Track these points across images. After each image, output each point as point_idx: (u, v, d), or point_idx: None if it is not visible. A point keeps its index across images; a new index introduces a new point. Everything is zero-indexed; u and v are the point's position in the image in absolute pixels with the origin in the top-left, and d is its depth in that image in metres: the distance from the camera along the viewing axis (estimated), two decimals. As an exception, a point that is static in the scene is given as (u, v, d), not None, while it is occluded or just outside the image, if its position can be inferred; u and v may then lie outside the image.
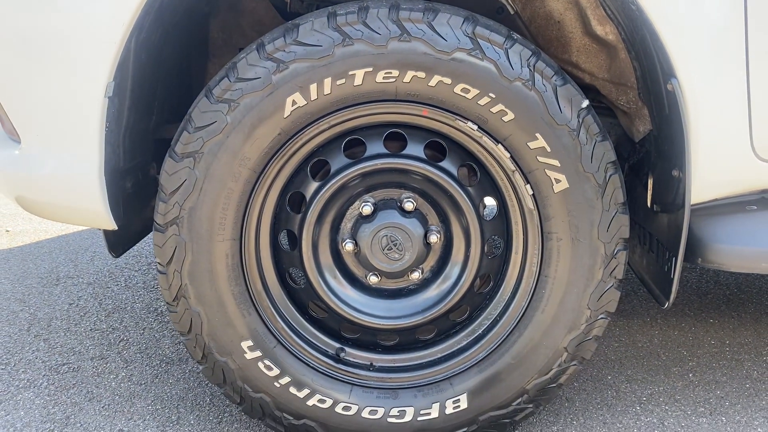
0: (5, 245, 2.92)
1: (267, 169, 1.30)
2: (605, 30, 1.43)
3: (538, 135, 1.26)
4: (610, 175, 1.29)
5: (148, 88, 1.43)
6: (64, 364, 1.84)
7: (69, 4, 1.21)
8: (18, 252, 2.81)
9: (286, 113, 1.25)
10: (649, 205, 1.47)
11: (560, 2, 1.49)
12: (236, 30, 1.74)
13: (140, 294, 2.33)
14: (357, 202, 1.40)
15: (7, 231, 3.13)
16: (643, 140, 1.53)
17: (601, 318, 1.36)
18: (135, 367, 1.82)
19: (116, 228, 1.36)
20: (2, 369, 1.82)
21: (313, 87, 1.24)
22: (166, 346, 1.93)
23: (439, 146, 1.37)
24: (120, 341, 1.97)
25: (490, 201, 1.41)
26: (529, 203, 1.33)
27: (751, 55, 1.24)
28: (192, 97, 1.79)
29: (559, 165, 1.28)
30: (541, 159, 1.28)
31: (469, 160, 1.38)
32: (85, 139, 1.27)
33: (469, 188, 1.38)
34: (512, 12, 1.61)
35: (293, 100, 1.24)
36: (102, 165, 1.29)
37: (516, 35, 1.27)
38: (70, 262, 2.66)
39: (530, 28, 1.61)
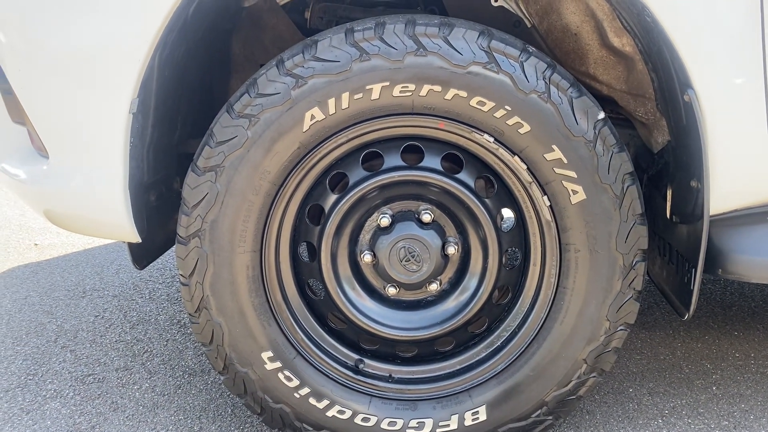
0: (34, 258, 2.99)
1: (287, 182, 1.33)
2: (622, 42, 1.44)
3: (554, 147, 1.27)
4: (628, 186, 1.29)
5: (172, 104, 1.47)
6: (89, 375, 1.87)
7: (94, 23, 1.25)
8: (46, 265, 2.87)
9: (305, 127, 1.27)
10: (668, 216, 1.47)
11: (577, 15, 1.49)
12: (257, 45, 1.77)
13: (164, 306, 2.36)
14: (375, 214, 1.41)
15: (36, 245, 3.20)
16: (661, 151, 1.53)
17: (621, 329, 1.36)
18: (158, 378, 1.85)
19: (140, 241, 1.39)
20: (30, 379, 1.86)
21: (332, 101, 1.26)
22: (189, 358, 1.96)
23: (456, 158, 1.39)
24: (144, 352, 2.00)
25: (507, 212, 1.42)
26: (547, 215, 1.33)
27: (769, 64, 1.24)
28: (214, 111, 1.83)
29: (576, 176, 1.28)
30: (557, 170, 1.28)
31: (486, 171, 1.39)
32: (110, 155, 1.30)
33: (486, 200, 1.38)
34: (529, 25, 1.63)
35: (312, 115, 1.27)
36: (126, 180, 1.32)
37: (531, 48, 1.28)
38: (96, 275, 2.71)
39: (547, 41, 1.62)
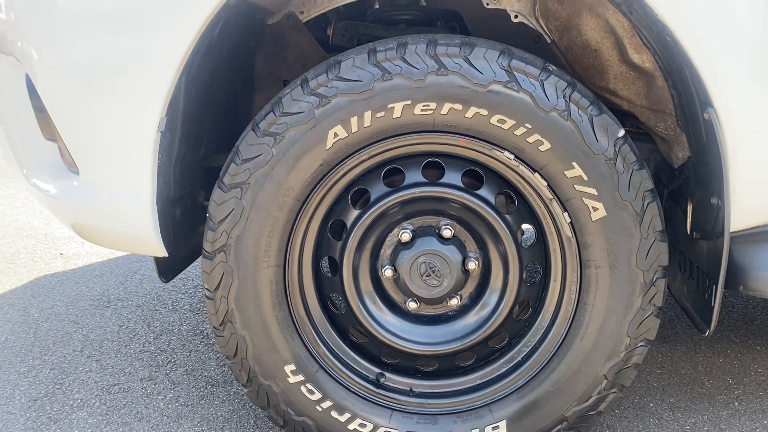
0: (60, 268, 3.05)
1: (310, 198, 1.35)
2: (642, 58, 1.45)
3: (574, 164, 1.28)
4: (648, 203, 1.29)
5: (198, 121, 1.50)
6: (115, 385, 1.91)
7: (124, 45, 1.29)
8: (71, 275, 2.93)
9: (328, 145, 1.30)
10: (688, 232, 1.47)
11: (596, 31, 1.51)
12: (281, 62, 1.81)
13: (187, 316, 2.40)
14: (396, 229, 1.43)
15: (62, 254, 3.26)
16: (682, 166, 1.53)
17: (641, 345, 1.36)
18: (182, 389, 1.88)
19: (167, 255, 1.42)
20: (57, 388, 1.90)
21: (354, 120, 1.28)
22: (212, 368, 1.99)
23: (476, 174, 1.40)
24: (168, 363, 2.04)
25: (528, 228, 1.43)
26: (567, 231, 1.34)
27: (790, 82, 1.24)
28: (238, 126, 1.86)
29: (596, 193, 1.29)
30: (578, 187, 1.29)
31: (506, 187, 1.40)
32: (139, 172, 1.34)
33: (506, 215, 1.40)
34: (549, 41, 1.64)
35: (335, 133, 1.29)
36: (154, 196, 1.35)
37: (551, 67, 1.29)
38: (120, 284, 2.76)
39: (567, 57, 1.63)
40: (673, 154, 1.54)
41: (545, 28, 1.64)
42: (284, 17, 1.63)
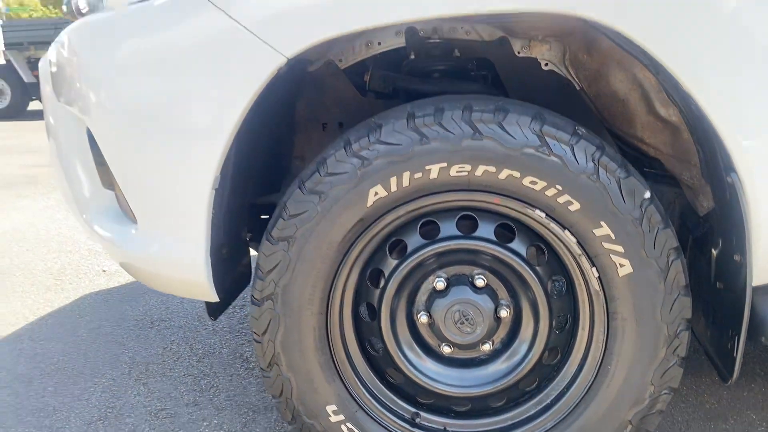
0: (104, 285, 3.19)
1: (351, 250, 1.44)
2: (668, 112, 1.51)
3: (602, 223, 1.35)
4: (672, 260, 1.36)
5: (246, 171, 1.60)
6: (162, 410, 2.03)
7: (184, 109, 1.39)
8: (116, 293, 3.07)
9: (369, 203, 1.39)
10: (712, 281, 1.53)
11: (624, 83, 1.57)
12: (320, 106, 1.90)
13: (227, 339, 2.51)
14: (431, 277, 1.51)
15: (104, 271, 3.40)
16: (707, 215, 1.59)
17: (665, 393, 1.43)
18: (225, 415, 1.99)
19: (218, 300, 1.53)
20: (110, 412, 2.02)
21: (393, 180, 1.37)
22: (253, 394, 2.10)
23: (508, 226, 1.48)
24: (211, 387, 2.15)
25: (558, 279, 1.50)
26: (595, 285, 1.41)
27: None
28: (280, 166, 1.96)
29: (623, 251, 1.36)
30: (606, 245, 1.36)
31: (537, 240, 1.48)
32: (194, 226, 1.44)
33: (537, 267, 1.47)
34: (578, 88, 1.71)
35: (375, 192, 1.38)
36: (208, 247, 1.46)
37: (581, 131, 1.37)
38: (162, 304, 2.89)
39: (596, 104, 1.70)
40: (698, 203, 1.60)
41: (575, 77, 1.71)
42: (324, 65, 1.72)
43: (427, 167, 1.36)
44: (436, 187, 1.39)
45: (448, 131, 1.34)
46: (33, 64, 11.83)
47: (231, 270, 1.68)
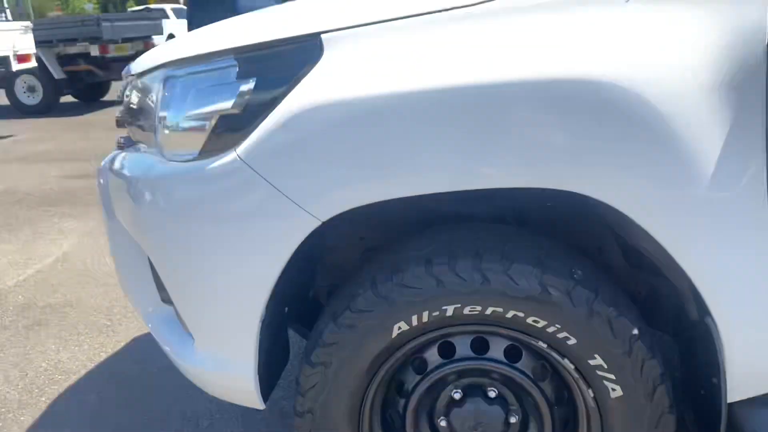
0: (150, 326, 3.47)
1: (378, 371, 1.68)
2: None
3: (596, 355, 1.56)
4: (658, 385, 1.57)
5: (281, 299, 1.81)
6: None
7: (230, 263, 1.62)
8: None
9: (394, 335, 1.61)
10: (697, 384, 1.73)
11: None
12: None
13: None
14: (449, 388, 1.74)
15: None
16: (696, 322, 1.78)
17: (653, 494, 1.65)
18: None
19: (264, 407, 1.77)
20: (169, 474, 2.30)
21: (414, 317, 1.59)
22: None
23: (517, 348, 1.69)
24: (255, 446, 2.42)
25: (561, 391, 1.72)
26: (591, 403, 1.63)
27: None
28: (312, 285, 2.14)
29: (614, 378, 1.57)
30: (599, 372, 1.58)
31: (542, 360, 1.69)
32: (244, 350, 1.68)
33: (542, 383, 1.69)
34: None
35: (399, 327, 1.60)
36: (256, 366, 1.70)
37: (578, 274, 1.56)
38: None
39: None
40: (689, 310, 1.79)
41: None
42: None
43: (443, 307, 1.58)
44: (452, 322, 1.60)
45: (462, 278, 1.55)
46: (62, 60, 12.13)
47: (276, 372, 1.92)
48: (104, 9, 42.45)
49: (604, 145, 1.40)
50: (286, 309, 2.00)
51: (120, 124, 2.16)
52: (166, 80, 1.73)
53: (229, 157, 1.57)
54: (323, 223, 1.54)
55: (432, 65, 1.46)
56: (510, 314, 1.56)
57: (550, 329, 1.56)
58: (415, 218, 1.83)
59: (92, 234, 5.10)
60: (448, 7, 1.50)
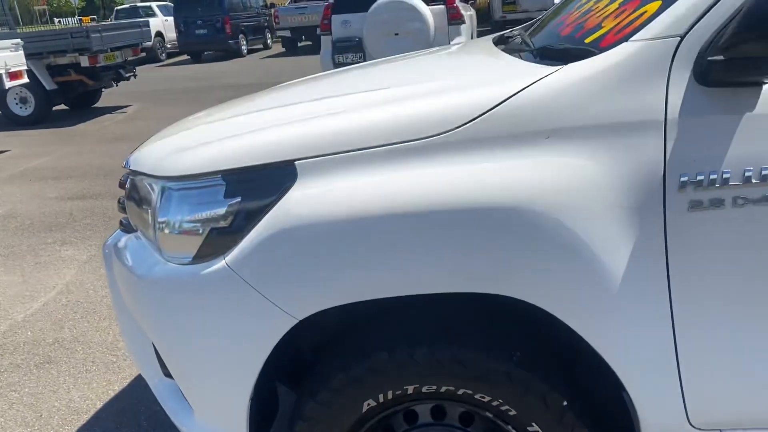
0: (153, 362, 3.76)
1: (354, 436, 1.98)
2: None
3: (533, 423, 1.86)
4: (586, 447, 1.87)
5: (270, 372, 2.09)
6: None
7: (222, 355, 1.90)
8: (164, 373, 3.64)
9: (363, 410, 1.91)
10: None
11: None
12: None
13: None
14: (415, 446, 2.05)
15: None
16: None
17: None
18: None
19: (258, 469, 2.07)
20: None
21: (381, 395, 1.88)
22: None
23: (470, 413, 1.99)
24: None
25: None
26: (532, 458, 1.94)
27: (682, 366, 1.77)
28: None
29: (549, 441, 1.87)
30: (536, 436, 1.88)
31: (492, 423, 1.99)
32: (237, 423, 1.97)
33: (492, 443, 2.00)
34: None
35: (368, 403, 1.90)
36: (248, 433, 1.99)
37: (517, 356, 1.86)
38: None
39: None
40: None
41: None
42: None
43: (404, 387, 1.87)
44: (412, 398, 1.90)
45: (419, 363, 1.84)
46: (53, 71, 12.30)
47: (267, 426, 2.21)
48: (90, 4, 42.21)
49: (528, 259, 1.69)
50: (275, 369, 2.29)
51: (121, 208, 2.43)
52: (163, 190, 2.00)
53: (219, 264, 1.85)
54: (300, 321, 1.82)
55: (388, 190, 1.74)
56: (461, 392, 1.86)
57: (494, 403, 1.86)
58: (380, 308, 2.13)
59: (91, 262, 5.37)
60: (404, 140, 1.78)
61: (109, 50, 12.42)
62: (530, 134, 1.73)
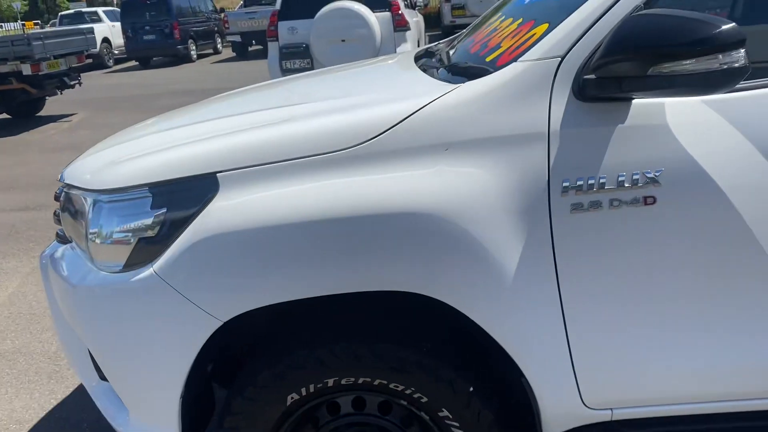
0: (96, 370, 3.81)
1: (279, 430, 2.12)
2: None
3: (443, 409, 2.03)
4: (493, 429, 2.05)
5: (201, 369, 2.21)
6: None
7: (153, 358, 2.01)
8: (108, 380, 3.70)
9: (288, 404, 2.06)
10: None
11: None
12: None
13: None
14: (341, 433, 2.20)
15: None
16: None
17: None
18: None
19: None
20: None
21: (303, 389, 2.04)
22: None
23: (389, 402, 2.16)
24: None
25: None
26: (443, 439, 2.11)
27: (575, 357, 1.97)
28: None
29: (458, 425, 2.04)
30: (447, 421, 2.05)
31: (407, 411, 2.16)
32: (169, 420, 2.08)
33: (408, 429, 2.16)
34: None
35: (292, 397, 2.05)
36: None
37: (427, 347, 2.03)
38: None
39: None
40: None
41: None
42: None
43: (325, 380, 2.03)
44: (333, 390, 2.06)
45: (338, 357, 2.00)
46: (-7, 79, 12.03)
47: (202, 426, 2.33)
48: (34, 8, 41.13)
49: (430, 259, 1.86)
50: (209, 368, 2.42)
51: (57, 220, 2.52)
52: (94, 203, 2.11)
53: (147, 272, 1.98)
54: (225, 323, 1.96)
55: (302, 199, 1.89)
56: (377, 382, 2.02)
57: (407, 392, 2.03)
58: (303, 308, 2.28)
59: (34, 274, 5.36)
60: (318, 153, 1.94)
61: (52, 58, 12.22)
62: (431, 147, 1.91)
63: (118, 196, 2.06)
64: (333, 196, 1.87)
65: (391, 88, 2.35)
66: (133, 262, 2.02)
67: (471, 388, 2.04)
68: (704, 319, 1.93)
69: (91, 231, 2.10)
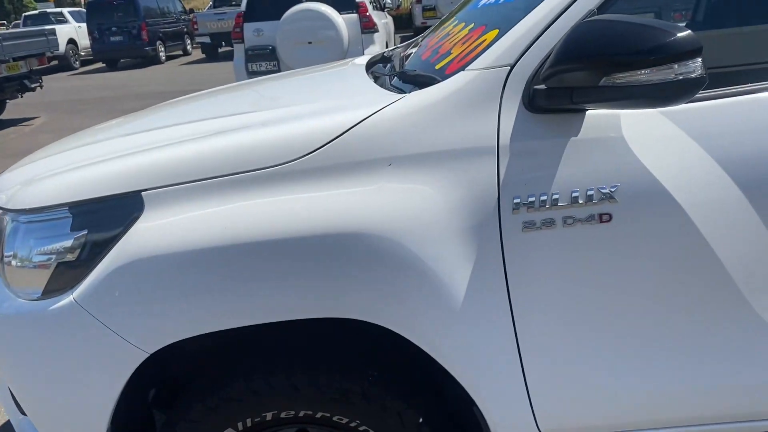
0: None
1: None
2: None
3: (383, 440, 1.91)
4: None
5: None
6: None
7: (77, 391, 1.85)
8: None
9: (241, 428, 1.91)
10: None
11: None
12: None
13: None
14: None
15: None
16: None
17: None
18: None
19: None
20: None
21: (240, 423, 1.89)
22: None
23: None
24: None
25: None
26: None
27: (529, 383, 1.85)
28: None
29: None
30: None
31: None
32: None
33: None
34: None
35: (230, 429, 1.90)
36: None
37: (373, 377, 1.89)
38: None
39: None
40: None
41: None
42: None
43: (263, 414, 1.88)
44: (271, 424, 1.91)
45: (275, 390, 1.86)
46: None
47: None
48: (0, 7, 40.26)
49: (372, 282, 1.73)
50: (151, 394, 2.25)
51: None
52: (11, 222, 1.93)
53: (67, 300, 1.81)
54: (151, 354, 1.80)
55: (232, 219, 1.74)
56: (319, 415, 1.88)
57: (353, 424, 1.89)
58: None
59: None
60: (249, 169, 1.79)
61: (11, 60, 11.84)
62: (373, 161, 1.77)
63: (36, 216, 1.89)
64: (264, 216, 1.73)
65: (335, 98, 2.22)
66: (52, 288, 1.85)
67: (420, 419, 1.91)
68: (662, 341, 1.82)
69: (6, 254, 1.93)
